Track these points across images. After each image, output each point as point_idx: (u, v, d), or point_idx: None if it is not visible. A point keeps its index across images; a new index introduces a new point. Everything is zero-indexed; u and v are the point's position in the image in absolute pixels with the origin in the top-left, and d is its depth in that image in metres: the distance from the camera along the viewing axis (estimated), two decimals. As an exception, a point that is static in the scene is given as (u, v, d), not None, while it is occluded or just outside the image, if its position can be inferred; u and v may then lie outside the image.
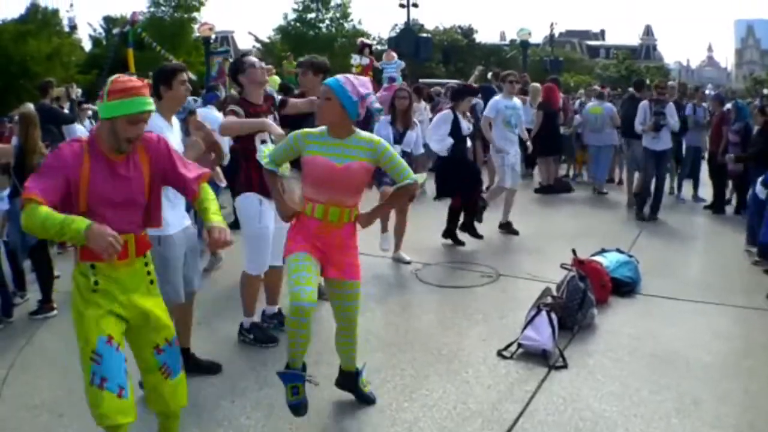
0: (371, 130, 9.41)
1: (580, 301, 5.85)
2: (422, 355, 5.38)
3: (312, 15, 51.04)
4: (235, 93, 9.39)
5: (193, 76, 21.59)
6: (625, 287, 6.82)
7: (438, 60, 55.38)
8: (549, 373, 5.04)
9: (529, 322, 5.49)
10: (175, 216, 4.57)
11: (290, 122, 5.48)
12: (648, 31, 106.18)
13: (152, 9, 45.50)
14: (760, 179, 8.06)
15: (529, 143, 10.16)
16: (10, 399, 4.79)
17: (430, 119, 13.85)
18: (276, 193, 4.21)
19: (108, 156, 3.26)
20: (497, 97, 9.62)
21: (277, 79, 13.26)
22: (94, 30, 49.26)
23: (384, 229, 8.01)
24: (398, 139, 7.69)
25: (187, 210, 4.98)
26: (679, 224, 10.47)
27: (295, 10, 50.99)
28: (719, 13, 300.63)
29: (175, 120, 4.89)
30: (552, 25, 60.23)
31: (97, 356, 3.17)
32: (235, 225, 6.52)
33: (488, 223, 9.26)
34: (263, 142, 5.28)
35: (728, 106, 11.63)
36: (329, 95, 3.96)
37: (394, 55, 17.10)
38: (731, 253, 8.58)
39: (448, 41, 62.34)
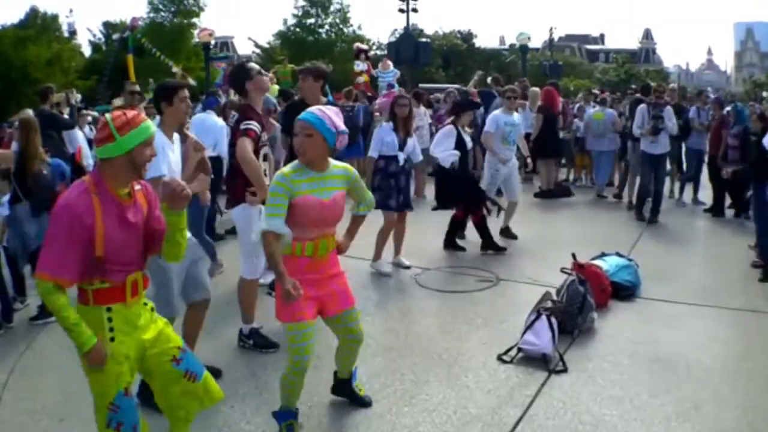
0: (370, 138, 9.47)
1: (579, 305, 5.85)
2: (422, 360, 5.38)
3: (312, 20, 51.17)
4: (235, 99, 9.40)
5: (192, 82, 21.68)
6: (624, 291, 6.82)
7: (437, 65, 55.51)
8: (549, 378, 5.04)
9: (529, 326, 5.49)
10: None
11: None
12: (647, 35, 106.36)
13: (152, 14, 45.69)
14: None
15: (529, 161, 10.19)
16: (11, 404, 4.80)
17: (430, 124, 13.94)
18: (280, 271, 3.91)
19: (118, 197, 3.30)
20: (497, 112, 9.53)
21: (276, 87, 13.27)
22: (94, 35, 49.39)
23: (378, 257, 7.93)
24: (401, 146, 7.70)
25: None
26: (679, 228, 10.48)
27: (294, 16, 51.17)
28: (718, 16, 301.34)
29: (176, 136, 4.91)
30: (551, 29, 60.71)
31: (115, 407, 3.27)
32: (233, 231, 6.54)
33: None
34: (265, 157, 5.34)
35: (727, 109, 11.64)
36: (310, 131, 3.85)
37: (390, 63, 17.17)
38: (731, 257, 8.59)
39: (448, 46, 62.47)
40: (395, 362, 5.34)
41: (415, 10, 34.14)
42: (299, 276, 3.88)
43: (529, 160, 10.21)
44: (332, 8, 51.35)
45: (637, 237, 9.61)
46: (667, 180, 12.24)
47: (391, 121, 7.79)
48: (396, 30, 52.99)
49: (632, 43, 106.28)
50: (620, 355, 5.44)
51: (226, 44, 61.90)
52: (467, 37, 66.61)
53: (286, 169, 3.99)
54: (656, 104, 10.57)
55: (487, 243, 8.77)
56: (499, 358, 5.37)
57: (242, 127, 5.22)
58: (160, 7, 46.10)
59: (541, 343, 5.31)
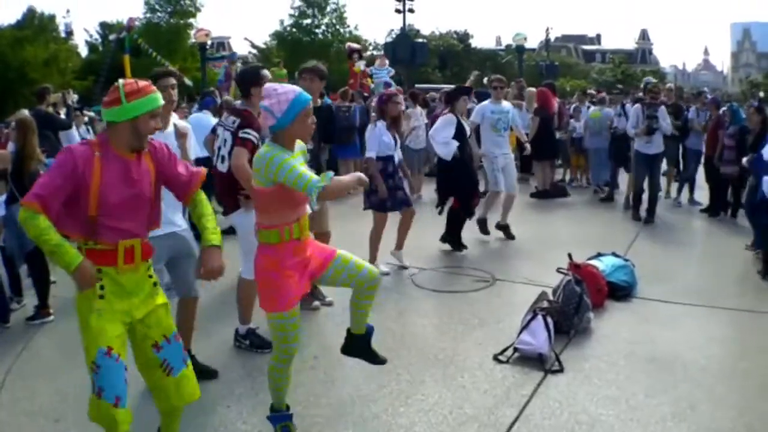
0: (356, 144, 9.51)
1: (576, 305, 5.85)
2: (418, 360, 5.38)
3: (308, 21, 51.17)
4: (231, 99, 9.38)
5: (189, 82, 21.68)
6: (621, 291, 6.83)
7: (434, 65, 55.61)
8: (545, 378, 5.04)
9: (525, 326, 5.49)
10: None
11: None
12: (644, 35, 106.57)
13: (148, 15, 45.72)
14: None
15: (527, 146, 10.17)
16: (8, 404, 4.79)
17: (426, 125, 13.93)
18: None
19: (124, 157, 3.37)
20: (484, 103, 9.63)
21: None
22: (91, 36, 49.47)
23: (373, 258, 7.76)
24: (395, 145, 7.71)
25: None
26: (676, 228, 10.50)
27: (291, 16, 51.21)
28: (715, 17, 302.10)
29: (170, 128, 4.92)
30: (548, 29, 60.69)
31: (96, 366, 3.25)
32: (231, 230, 6.53)
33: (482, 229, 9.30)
34: None
35: (723, 109, 11.66)
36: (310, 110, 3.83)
37: (386, 61, 17.19)
38: (727, 257, 8.61)
39: (444, 46, 62.55)
40: (391, 362, 5.29)
41: (411, 11, 34.10)
42: (288, 261, 3.83)
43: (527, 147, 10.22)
44: (329, 9, 51.39)
45: (634, 237, 9.62)
46: (664, 180, 12.26)
47: (383, 120, 7.75)
48: (392, 30, 53.03)
49: (629, 43, 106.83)
50: (616, 355, 5.44)
51: (222, 44, 61.66)
52: (464, 37, 66.71)
53: (270, 148, 3.74)
54: (651, 104, 10.58)
55: (450, 236, 8.77)
56: (495, 358, 5.37)
57: (241, 135, 5.17)
58: (157, 7, 46.11)
59: (538, 343, 5.32)
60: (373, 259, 7.72)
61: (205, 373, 4.99)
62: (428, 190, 8.69)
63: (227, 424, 4.42)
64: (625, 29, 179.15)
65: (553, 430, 4.32)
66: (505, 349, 5.43)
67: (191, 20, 46.12)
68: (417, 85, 22.61)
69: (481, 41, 74.74)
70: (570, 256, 6.59)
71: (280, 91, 3.70)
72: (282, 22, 51.46)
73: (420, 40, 39.21)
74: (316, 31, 51.32)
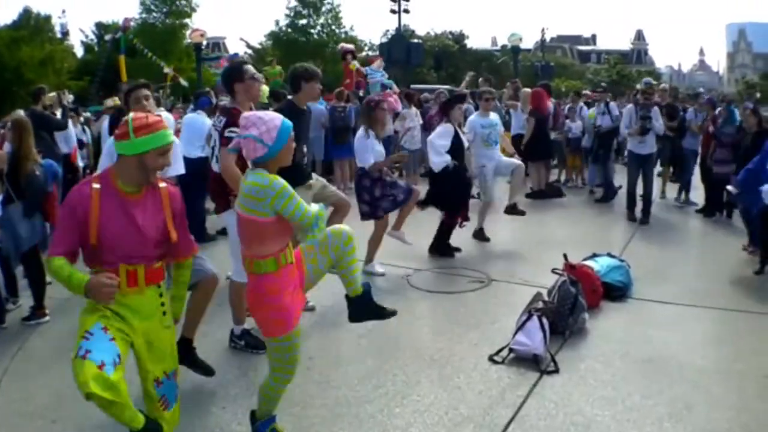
0: (351, 144, 9.53)
1: (571, 306, 5.86)
2: (413, 361, 5.38)
3: (303, 21, 51.09)
4: (227, 102, 9.38)
5: (184, 83, 21.64)
6: (616, 292, 6.83)
7: (429, 66, 55.60)
8: (540, 378, 5.04)
9: (520, 327, 5.49)
10: None
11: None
12: (639, 36, 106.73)
13: (144, 15, 45.64)
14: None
15: (513, 153, 10.21)
16: (4, 405, 4.78)
17: (421, 125, 13.95)
18: None
19: (124, 193, 3.42)
20: (473, 117, 9.59)
21: (266, 89, 13.24)
22: (86, 36, 49.40)
23: (370, 259, 7.82)
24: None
25: None
26: (671, 228, 10.52)
27: (286, 16, 51.08)
28: (711, 17, 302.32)
29: None
30: (543, 30, 60.76)
31: (89, 334, 3.23)
32: (223, 232, 6.53)
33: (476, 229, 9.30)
34: None
35: (719, 109, 11.67)
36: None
37: (382, 63, 17.20)
38: (722, 257, 8.63)
39: (440, 47, 62.57)
40: (387, 363, 5.33)
41: (406, 11, 34.04)
42: (290, 288, 3.79)
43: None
44: (324, 9, 51.33)
45: (629, 238, 9.64)
46: (658, 180, 12.29)
47: (369, 127, 7.70)
48: (388, 31, 53.17)
49: (624, 43, 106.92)
50: (612, 356, 5.45)
51: (217, 45, 61.77)
52: (459, 38, 66.73)
53: (272, 177, 3.63)
54: (644, 105, 10.60)
55: (438, 245, 8.72)
56: (491, 359, 5.37)
57: (227, 134, 5.11)
58: (152, 7, 46.04)
59: (533, 344, 5.32)
60: (370, 260, 7.73)
61: (204, 369, 4.98)
62: (423, 191, 8.65)
63: (222, 425, 4.42)
64: (621, 30, 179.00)
65: (548, 430, 4.32)
66: (500, 350, 5.43)
67: (187, 20, 46.09)
68: (412, 86, 22.61)
69: (477, 42, 74.87)
70: (565, 256, 6.59)
71: (266, 119, 3.65)
72: (277, 22, 51.37)
73: (415, 40, 39.19)
74: (312, 31, 51.22)
